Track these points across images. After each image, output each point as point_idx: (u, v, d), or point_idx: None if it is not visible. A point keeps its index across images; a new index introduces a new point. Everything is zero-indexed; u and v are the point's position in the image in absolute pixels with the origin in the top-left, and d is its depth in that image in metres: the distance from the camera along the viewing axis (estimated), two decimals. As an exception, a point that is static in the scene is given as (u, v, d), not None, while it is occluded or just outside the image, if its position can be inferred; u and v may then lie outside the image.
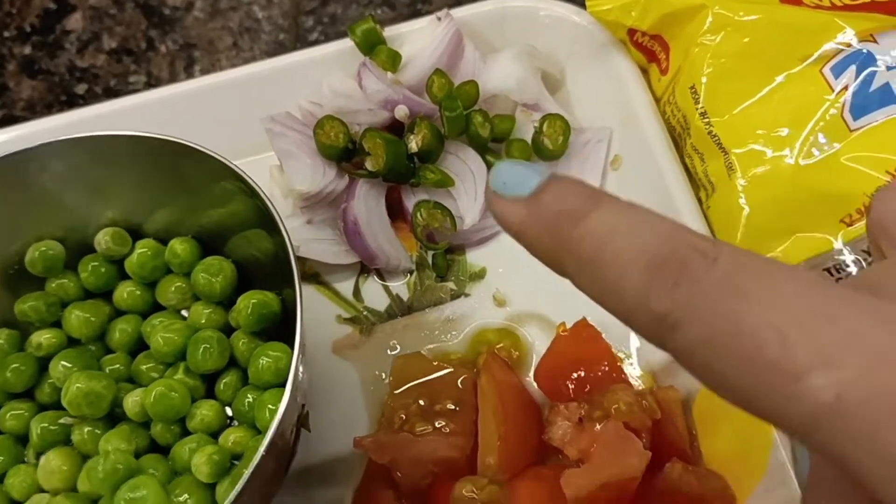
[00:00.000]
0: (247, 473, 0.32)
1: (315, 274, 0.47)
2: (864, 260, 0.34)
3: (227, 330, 0.42)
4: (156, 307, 0.44)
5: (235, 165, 0.38)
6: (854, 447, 0.18)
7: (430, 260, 0.46)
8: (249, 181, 0.38)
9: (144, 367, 0.41)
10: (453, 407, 0.38)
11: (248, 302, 0.41)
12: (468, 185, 0.45)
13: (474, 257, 0.45)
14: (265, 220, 0.39)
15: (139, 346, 0.43)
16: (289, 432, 0.35)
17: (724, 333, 0.19)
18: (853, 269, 0.34)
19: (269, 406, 0.38)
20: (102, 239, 0.43)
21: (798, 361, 0.18)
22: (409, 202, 0.45)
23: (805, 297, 0.19)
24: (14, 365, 0.41)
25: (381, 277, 0.46)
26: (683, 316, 0.20)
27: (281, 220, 0.37)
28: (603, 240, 0.21)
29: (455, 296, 0.44)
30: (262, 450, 0.32)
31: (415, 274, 0.46)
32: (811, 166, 0.36)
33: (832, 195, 0.35)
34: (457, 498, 0.35)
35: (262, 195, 0.37)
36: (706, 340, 0.19)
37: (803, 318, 0.19)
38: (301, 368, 0.35)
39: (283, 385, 0.38)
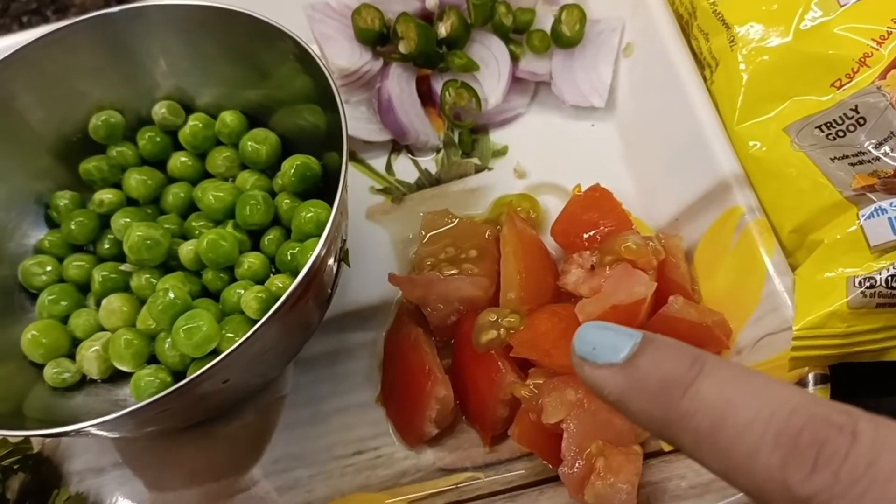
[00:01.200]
0: (297, 280, 0.36)
1: (352, 152, 0.51)
2: (852, 118, 0.38)
3: (271, 195, 0.46)
4: (205, 176, 0.48)
5: (300, 39, 0.41)
6: None
7: (456, 138, 0.50)
8: (311, 52, 0.41)
9: (196, 224, 0.45)
10: (477, 254, 0.42)
11: (293, 164, 0.45)
12: (492, 69, 0.49)
13: (497, 137, 0.49)
14: (315, 91, 0.42)
15: (190, 209, 0.47)
16: (333, 259, 0.39)
17: None
18: (843, 126, 0.38)
19: (311, 252, 0.42)
20: (159, 111, 0.47)
21: None
22: (438, 85, 0.49)
23: None
24: (78, 219, 0.45)
25: (412, 153, 0.50)
26: (833, 501, 0.19)
27: (334, 84, 0.40)
28: (721, 413, 0.21)
29: (479, 170, 0.49)
30: (312, 258, 0.36)
31: (442, 151, 0.49)
32: (805, 35, 0.39)
33: (824, 61, 0.39)
34: (481, 324, 0.39)
35: (322, 65, 0.41)
36: None
37: None
38: (344, 206, 0.38)
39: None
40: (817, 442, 0.19)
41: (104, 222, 0.45)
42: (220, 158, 0.47)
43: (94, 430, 0.35)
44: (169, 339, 0.41)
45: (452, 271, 0.41)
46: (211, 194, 0.44)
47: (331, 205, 0.40)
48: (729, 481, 0.21)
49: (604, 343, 0.23)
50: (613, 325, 0.24)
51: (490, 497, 0.38)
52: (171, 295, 0.40)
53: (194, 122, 0.47)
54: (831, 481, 0.19)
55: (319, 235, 0.42)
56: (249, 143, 0.46)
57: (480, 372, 0.38)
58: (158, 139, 0.47)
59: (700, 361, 0.22)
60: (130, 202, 0.46)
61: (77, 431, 0.35)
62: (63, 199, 0.46)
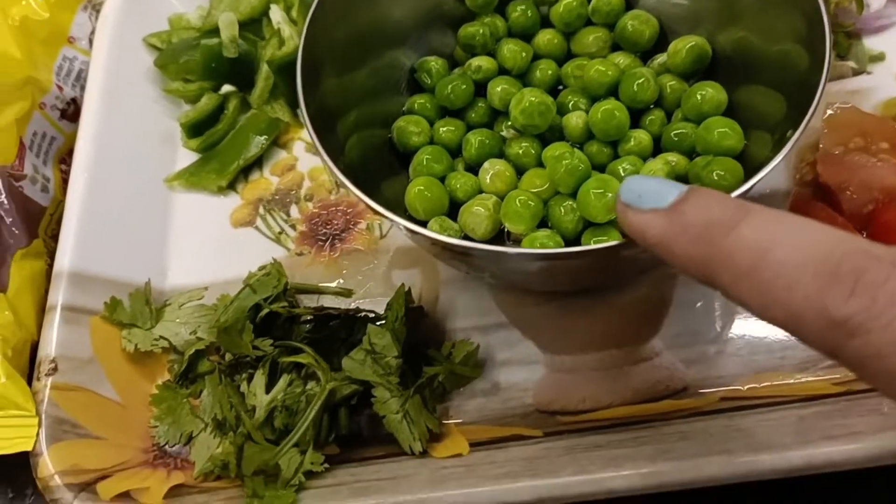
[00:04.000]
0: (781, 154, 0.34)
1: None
2: None
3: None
4: (569, 55, 0.47)
5: None
6: None
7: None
8: None
9: (572, 98, 0.44)
10: (889, 147, 0.41)
11: (686, 44, 0.44)
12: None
13: (871, 43, 0.48)
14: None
15: (553, 88, 0.46)
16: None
17: None
18: None
19: (719, 129, 0.41)
20: (535, -17, 0.47)
21: None
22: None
23: None
24: (455, 82, 0.45)
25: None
26: (868, 322, 0.19)
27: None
28: (763, 248, 0.21)
29: (856, 73, 0.47)
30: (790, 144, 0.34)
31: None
32: None
33: None
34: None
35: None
36: (888, 349, 0.19)
37: None
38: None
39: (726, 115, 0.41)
40: (857, 271, 0.20)
41: (476, 90, 0.45)
42: (590, 37, 0.46)
43: (512, 257, 0.34)
44: (565, 204, 0.40)
45: (872, 160, 0.40)
46: (597, 67, 0.43)
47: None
48: (765, 317, 0.21)
49: (650, 190, 0.24)
50: (660, 177, 0.25)
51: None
52: (577, 159, 0.40)
53: (568, -1, 0.46)
54: (869, 303, 0.19)
55: (715, 116, 0.42)
56: (630, 23, 0.45)
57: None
58: (530, 13, 0.46)
59: (745, 208, 0.22)
60: (502, 72, 0.46)
61: (495, 255, 0.34)
62: (435, 63, 0.45)
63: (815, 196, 0.42)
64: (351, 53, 0.43)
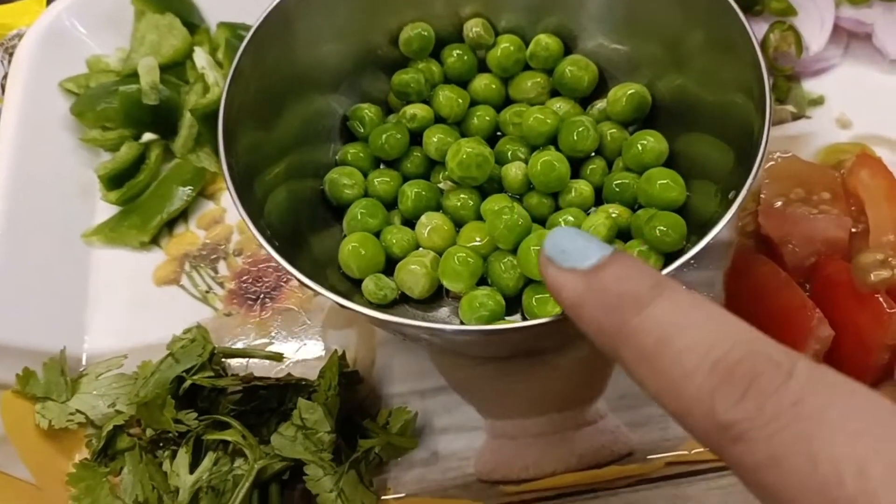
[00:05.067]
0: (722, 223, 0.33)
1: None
2: None
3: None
4: (507, 101, 0.46)
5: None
6: None
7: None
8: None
9: (510, 147, 0.43)
10: (830, 197, 0.40)
11: (625, 91, 0.43)
12: (812, 16, 0.47)
13: (809, 86, 0.47)
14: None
15: (492, 134, 0.45)
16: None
17: (796, 458, 0.18)
18: None
19: (661, 181, 0.39)
20: (472, 29, 0.45)
21: (881, 502, 0.17)
22: (758, 29, 0.47)
23: (886, 427, 0.18)
24: (390, 132, 0.43)
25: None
26: (752, 431, 0.19)
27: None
28: (668, 333, 0.21)
29: (795, 118, 0.46)
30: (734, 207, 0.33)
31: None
32: None
33: None
34: (867, 263, 0.36)
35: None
36: (775, 462, 0.19)
37: (886, 455, 0.18)
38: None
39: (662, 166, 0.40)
40: (751, 374, 0.19)
41: (411, 138, 0.43)
42: (528, 83, 0.45)
43: (448, 333, 0.33)
44: (506, 260, 0.38)
45: (809, 211, 0.39)
46: (535, 116, 0.42)
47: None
48: (659, 402, 0.21)
49: (574, 248, 0.23)
50: (588, 234, 0.24)
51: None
52: (517, 214, 0.38)
53: (506, 43, 0.45)
54: (755, 412, 0.19)
55: (655, 166, 0.41)
56: (569, 69, 0.44)
57: (862, 315, 0.36)
58: (466, 58, 0.45)
59: (661, 287, 0.22)
60: (438, 119, 0.44)
61: (430, 331, 0.32)
62: (368, 111, 0.44)
63: (757, 248, 0.41)
64: (279, 101, 0.40)
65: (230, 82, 0.38)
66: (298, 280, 0.32)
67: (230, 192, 0.34)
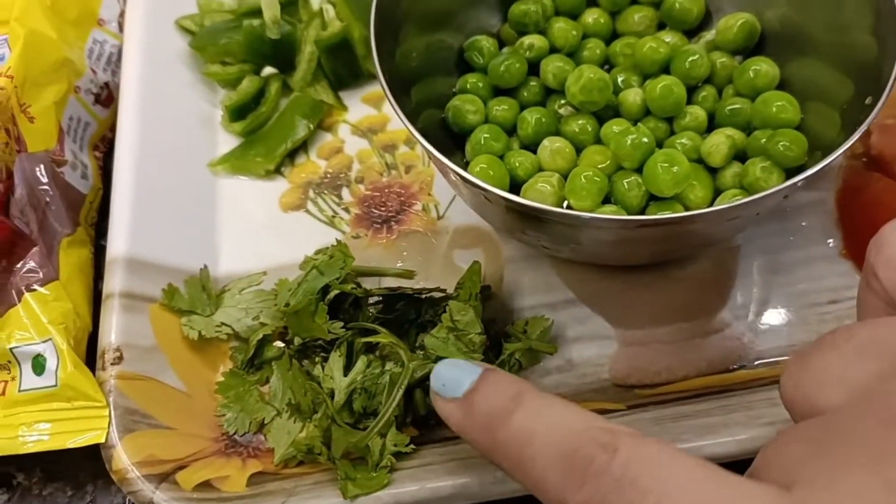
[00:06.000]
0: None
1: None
2: None
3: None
4: (613, 35, 0.47)
5: None
6: None
7: None
8: None
9: (623, 77, 0.44)
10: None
11: (736, 21, 0.44)
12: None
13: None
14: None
15: (602, 67, 0.46)
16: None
17: None
18: None
19: (777, 103, 0.41)
20: (584, -38, 0.46)
21: None
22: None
23: (688, 488, 0.20)
24: (510, 61, 0.44)
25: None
26: None
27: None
28: (525, 440, 0.23)
29: None
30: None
31: None
32: None
33: None
34: None
35: None
36: None
37: None
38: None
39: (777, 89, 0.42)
40: (586, 460, 0.21)
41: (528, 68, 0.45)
42: (636, 16, 0.46)
43: (596, 222, 0.34)
44: (629, 179, 0.40)
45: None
46: (649, 46, 0.43)
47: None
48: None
49: (450, 379, 0.26)
50: (462, 362, 0.27)
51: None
52: (642, 133, 0.40)
53: (615, -23, 0.46)
54: (592, 494, 0.21)
55: (768, 89, 0.42)
56: (678, 2, 0.45)
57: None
58: (577, -9, 0.47)
59: (518, 397, 0.24)
60: (552, 50, 0.46)
61: (574, 219, 0.34)
62: (486, 42, 0.45)
63: (867, 167, 0.43)
64: (403, 35, 0.42)
65: (374, 20, 0.39)
66: (464, 178, 0.34)
67: (385, 92, 0.37)
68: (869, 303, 0.25)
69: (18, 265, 0.38)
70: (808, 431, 0.21)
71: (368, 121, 0.48)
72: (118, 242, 0.40)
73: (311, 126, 0.46)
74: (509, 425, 0.23)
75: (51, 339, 0.36)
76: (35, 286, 0.38)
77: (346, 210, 0.45)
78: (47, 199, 0.41)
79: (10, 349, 0.36)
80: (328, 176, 0.46)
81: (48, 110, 0.43)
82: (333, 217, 0.45)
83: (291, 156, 0.47)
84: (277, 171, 0.46)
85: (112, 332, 0.38)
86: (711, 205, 0.42)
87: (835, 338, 0.23)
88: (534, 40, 0.45)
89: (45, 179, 0.41)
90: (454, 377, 0.26)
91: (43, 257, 0.38)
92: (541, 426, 0.23)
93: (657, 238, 0.37)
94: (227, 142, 0.47)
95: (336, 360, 0.37)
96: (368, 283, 0.41)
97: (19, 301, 0.37)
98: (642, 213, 0.41)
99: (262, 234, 0.44)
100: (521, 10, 0.45)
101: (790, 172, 0.40)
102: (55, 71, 0.43)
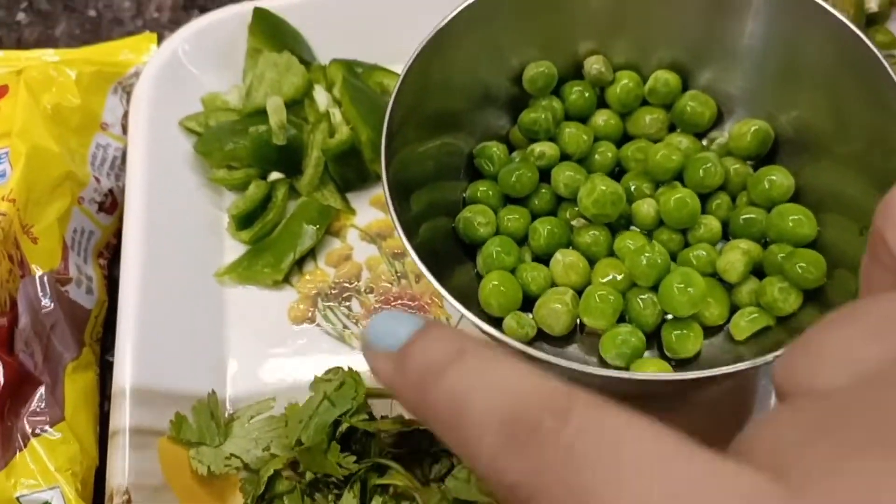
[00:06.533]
0: None
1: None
2: None
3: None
4: (624, 138, 0.47)
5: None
6: None
7: None
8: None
9: (635, 185, 0.44)
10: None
11: (749, 128, 0.44)
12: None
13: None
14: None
15: (611, 170, 0.46)
16: None
17: None
18: None
19: (793, 217, 0.40)
20: (593, 66, 0.46)
21: None
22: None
23: (654, 467, 0.17)
24: (521, 171, 0.44)
25: None
26: (534, 491, 0.18)
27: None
28: (459, 402, 0.20)
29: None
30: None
31: None
32: None
33: None
34: None
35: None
36: None
37: (648, 496, 0.16)
38: None
39: (791, 202, 0.41)
40: (531, 426, 0.18)
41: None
42: (647, 118, 0.46)
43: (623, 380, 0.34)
44: (644, 297, 0.39)
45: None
46: (661, 153, 0.43)
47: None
48: (474, 472, 0.21)
49: (386, 330, 0.22)
50: (404, 314, 0.23)
51: None
52: (657, 252, 0.39)
53: (625, 80, 0.46)
54: (534, 467, 0.18)
55: (784, 202, 0.42)
56: (689, 104, 0.45)
57: None
58: (587, 94, 0.46)
59: (459, 351, 0.20)
60: (563, 157, 0.45)
61: (601, 378, 0.34)
62: (496, 149, 0.44)
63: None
64: (415, 140, 0.42)
65: (391, 108, 0.39)
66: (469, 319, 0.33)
67: (389, 206, 0.36)
68: (876, 277, 0.22)
69: (24, 407, 0.37)
70: (804, 413, 0.18)
71: (377, 225, 0.48)
72: (124, 372, 0.39)
73: (319, 234, 0.45)
74: (444, 382, 0.20)
75: (58, 486, 0.36)
76: (41, 429, 0.38)
77: (356, 323, 0.44)
78: (52, 324, 0.40)
79: (17, 497, 0.35)
80: (337, 286, 0.45)
81: (51, 228, 0.42)
82: (344, 330, 0.44)
83: (300, 263, 0.46)
84: (286, 280, 0.45)
85: (120, 472, 0.37)
86: (728, 321, 0.41)
87: (840, 316, 0.20)
88: (544, 148, 0.44)
89: (49, 303, 0.40)
90: (391, 328, 0.22)
91: (48, 394, 0.38)
92: (481, 385, 0.20)
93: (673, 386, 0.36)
94: (233, 248, 0.46)
95: (350, 500, 0.36)
96: (381, 406, 0.41)
97: (25, 446, 0.36)
98: (658, 330, 0.40)
99: (272, 350, 0.44)
100: (531, 118, 0.44)
101: (809, 293, 0.39)
102: (58, 186, 0.43)
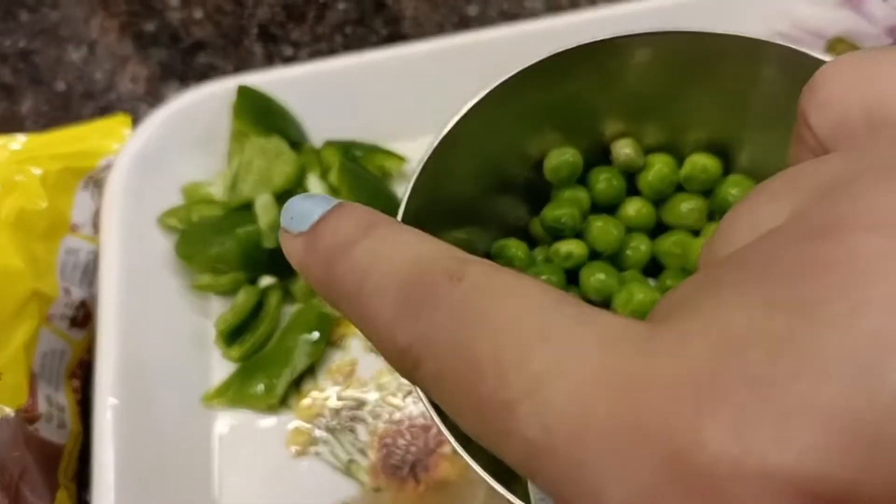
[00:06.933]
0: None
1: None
2: None
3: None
4: (659, 226, 0.42)
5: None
6: (565, 490, 0.14)
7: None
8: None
9: (673, 284, 0.39)
10: None
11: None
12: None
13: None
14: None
15: (646, 265, 0.41)
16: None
17: (457, 366, 0.16)
18: None
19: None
20: (622, 151, 0.40)
21: (511, 390, 0.15)
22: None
23: (533, 315, 0.16)
24: (546, 276, 0.39)
25: None
26: (423, 349, 0.17)
27: None
28: (363, 273, 0.19)
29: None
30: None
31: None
32: None
33: None
34: None
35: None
36: (440, 376, 0.17)
37: (523, 341, 0.16)
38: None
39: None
40: (426, 289, 0.18)
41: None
42: (684, 207, 0.41)
43: None
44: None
45: None
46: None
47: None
48: (372, 344, 0.19)
49: (301, 211, 0.22)
50: (318, 195, 0.22)
51: None
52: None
53: (659, 164, 0.41)
54: (425, 328, 0.17)
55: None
56: (732, 192, 0.40)
57: None
58: (615, 182, 0.41)
59: (369, 225, 0.20)
60: (592, 254, 0.40)
61: None
62: (517, 250, 0.39)
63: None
64: (433, 234, 0.37)
65: (405, 206, 0.34)
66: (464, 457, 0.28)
67: None
68: (802, 160, 0.21)
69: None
70: (698, 275, 0.17)
71: (384, 332, 0.42)
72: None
73: (319, 348, 0.40)
74: (351, 256, 0.19)
75: None
76: None
77: (363, 452, 0.39)
78: (20, 472, 0.35)
79: None
80: (340, 408, 0.40)
81: (17, 359, 0.37)
82: (350, 462, 0.39)
83: (298, 381, 0.41)
84: (282, 403, 0.40)
85: None
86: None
87: (752, 191, 0.19)
88: (571, 247, 0.39)
89: (16, 451, 0.35)
90: (304, 209, 0.21)
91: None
92: (385, 255, 0.19)
93: None
94: (222, 364, 0.41)
95: None
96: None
97: None
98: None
99: (268, 487, 0.39)
100: (555, 215, 0.39)
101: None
102: (23, 308, 0.38)
